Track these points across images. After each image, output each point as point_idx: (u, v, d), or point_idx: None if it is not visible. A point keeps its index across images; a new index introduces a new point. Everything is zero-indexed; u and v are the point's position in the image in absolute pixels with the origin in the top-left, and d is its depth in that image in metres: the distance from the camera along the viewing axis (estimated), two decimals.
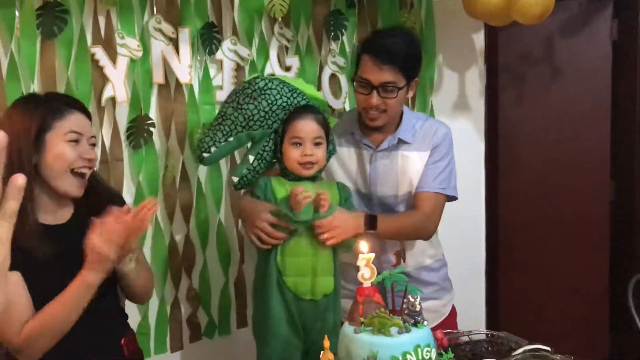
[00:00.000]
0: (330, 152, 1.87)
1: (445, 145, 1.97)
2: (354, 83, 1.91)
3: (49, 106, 1.45)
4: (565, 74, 2.99)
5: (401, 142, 1.95)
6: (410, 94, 1.94)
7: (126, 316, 1.66)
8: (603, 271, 3.03)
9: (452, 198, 1.98)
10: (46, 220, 1.46)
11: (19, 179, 0.61)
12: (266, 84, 1.80)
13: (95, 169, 1.59)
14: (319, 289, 1.75)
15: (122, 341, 1.55)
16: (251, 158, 1.82)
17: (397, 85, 1.83)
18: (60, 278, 1.40)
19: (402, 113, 1.97)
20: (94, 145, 1.53)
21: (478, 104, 2.87)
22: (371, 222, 1.81)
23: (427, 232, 1.95)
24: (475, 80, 2.85)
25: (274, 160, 1.86)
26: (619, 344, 3.05)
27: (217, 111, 2.17)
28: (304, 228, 1.73)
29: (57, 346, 1.40)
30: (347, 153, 2.00)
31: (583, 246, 3.02)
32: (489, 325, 2.93)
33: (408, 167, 1.94)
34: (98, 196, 1.54)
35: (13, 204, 0.61)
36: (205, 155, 1.82)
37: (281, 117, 1.80)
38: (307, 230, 1.74)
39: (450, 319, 2.13)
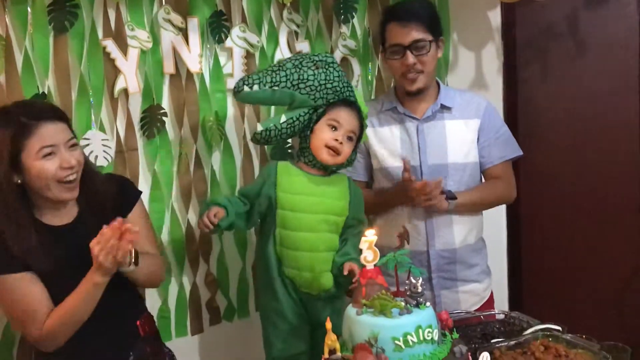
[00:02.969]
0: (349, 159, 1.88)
1: (493, 113, 2.07)
2: (386, 54, 1.97)
3: (16, 125, 1.42)
4: (590, 48, 2.90)
5: (444, 108, 1.99)
6: (440, 54, 1.99)
7: (142, 299, 1.71)
8: (636, 251, 2.95)
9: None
10: (51, 222, 1.51)
11: None
12: (333, 62, 1.83)
13: (86, 165, 1.59)
14: (318, 285, 1.77)
15: (138, 322, 1.61)
16: (284, 117, 1.81)
17: (427, 40, 1.90)
18: (72, 274, 1.47)
19: (438, 83, 2.04)
20: (74, 146, 1.52)
21: (496, 82, 2.83)
22: (449, 194, 1.90)
23: (511, 198, 2.16)
24: (492, 57, 2.80)
25: (301, 134, 1.85)
26: None
27: (228, 99, 2.21)
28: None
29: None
30: (388, 132, 2.02)
31: (613, 222, 2.93)
32: (512, 307, 2.90)
33: (456, 135, 1.98)
34: (95, 192, 1.58)
35: None
36: (245, 89, 1.77)
37: (329, 98, 1.80)
38: (304, 226, 1.77)
39: (489, 305, 2.13)
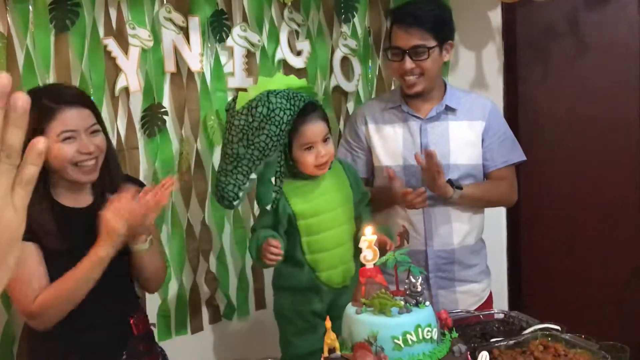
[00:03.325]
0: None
1: (499, 116, 2.07)
2: (387, 55, 1.97)
3: (40, 107, 1.44)
4: (591, 48, 2.90)
5: (449, 109, 1.98)
6: (447, 58, 1.98)
7: (138, 297, 1.72)
8: (635, 249, 2.95)
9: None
10: (66, 203, 1.52)
11: (40, 143, 0.56)
12: (268, 108, 1.65)
13: (110, 154, 1.61)
14: (351, 274, 1.80)
15: (131, 321, 1.61)
16: (273, 180, 1.74)
17: (427, 46, 1.87)
18: (77, 257, 1.46)
19: (445, 83, 2.03)
20: (96, 132, 1.54)
21: (496, 82, 2.83)
22: (455, 183, 1.91)
23: (512, 202, 2.16)
24: (493, 57, 2.81)
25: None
26: None
27: (228, 98, 2.21)
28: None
29: (68, 321, 1.47)
30: (391, 130, 2.01)
31: (613, 222, 2.94)
32: (512, 307, 2.91)
33: (460, 136, 1.98)
34: (112, 183, 1.58)
35: (32, 169, 0.56)
36: (235, 202, 1.72)
37: (289, 128, 1.71)
38: (328, 224, 1.77)
39: (488, 305, 2.13)
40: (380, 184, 2.05)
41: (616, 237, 2.93)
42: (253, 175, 1.70)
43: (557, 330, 1.60)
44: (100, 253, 1.45)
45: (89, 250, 1.46)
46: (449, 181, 1.91)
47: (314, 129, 1.73)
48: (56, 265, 1.47)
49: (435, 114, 1.98)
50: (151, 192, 1.50)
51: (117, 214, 1.44)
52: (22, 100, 0.54)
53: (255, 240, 1.74)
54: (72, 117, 1.48)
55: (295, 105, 1.70)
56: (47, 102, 1.46)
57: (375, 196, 2.00)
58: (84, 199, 1.58)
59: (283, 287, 1.86)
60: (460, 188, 1.91)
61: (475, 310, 2.01)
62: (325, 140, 1.75)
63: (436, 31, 1.89)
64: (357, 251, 1.78)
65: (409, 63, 1.88)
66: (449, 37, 1.95)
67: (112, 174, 1.60)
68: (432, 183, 1.84)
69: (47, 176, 1.50)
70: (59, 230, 1.48)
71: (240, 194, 1.71)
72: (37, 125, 1.43)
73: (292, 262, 1.79)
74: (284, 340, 1.86)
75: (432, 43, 1.88)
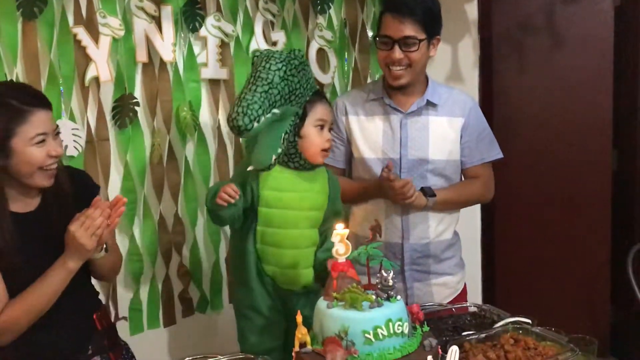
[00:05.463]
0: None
1: (479, 114, 2.07)
2: (376, 42, 1.95)
3: (9, 108, 1.40)
4: (566, 41, 2.93)
5: (430, 104, 1.98)
6: (433, 53, 1.97)
7: (97, 292, 1.70)
8: (604, 242, 3.00)
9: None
10: (16, 209, 1.48)
11: None
12: (305, 60, 1.72)
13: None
14: (299, 281, 1.75)
15: (94, 316, 1.59)
16: (282, 136, 1.67)
17: (418, 38, 1.87)
18: (30, 260, 1.44)
19: (427, 78, 2.02)
20: (58, 134, 1.51)
21: (472, 75, 2.85)
22: (429, 191, 1.91)
23: (488, 199, 2.18)
24: (468, 51, 2.82)
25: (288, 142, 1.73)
26: (620, 317, 3.04)
27: (202, 89, 2.18)
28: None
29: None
30: (372, 123, 2.01)
31: (584, 217, 2.99)
32: (485, 300, 2.94)
33: (439, 132, 1.98)
34: (59, 181, 1.53)
35: None
36: (255, 124, 1.58)
37: (307, 97, 1.70)
38: (290, 222, 1.73)
39: (462, 297, 2.14)
40: (358, 174, 2.03)
41: (587, 231, 2.98)
42: (276, 110, 1.61)
43: (527, 323, 1.62)
44: (70, 266, 1.45)
45: (43, 254, 1.44)
46: (422, 189, 1.91)
47: (328, 109, 1.76)
48: (16, 278, 1.44)
49: (417, 108, 1.97)
50: (103, 210, 1.45)
51: (86, 230, 1.42)
52: None
53: (215, 187, 1.69)
54: (43, 119, 1.44)
55: (313, 82, 1.75)
56: (16, 104, 1.41)
57: (357, 188, 1.99)
58: (33, 202, 1.52)
59: (236, 281, 1.84)
60: (433, 195, 1.91)
61: (450, 302, 2.03)
62: (330, 128, 1.77)
63: (427, 24, 1.88)
64: (316, 264, 1.76)
65: (398, 53, 1.87)
66: (438, 32, 1.95)
67: (60, 173, 1.55)
68: (402, 198, 1.84)
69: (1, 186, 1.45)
70: (14, 239, 1.43)
71: (262, 120, 1.58)
72: (6, 128, 1.38)
73: (240, 252, 1.75)
74: (240, 335, 1.83)
75: (422, 35, 1.88)
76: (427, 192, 1.91)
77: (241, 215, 1.71)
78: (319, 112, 1.72)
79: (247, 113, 1.57)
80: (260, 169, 1.69)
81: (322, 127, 1.73)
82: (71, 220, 1.45)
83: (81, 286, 1.57)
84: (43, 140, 1.44)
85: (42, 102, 1.47)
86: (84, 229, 1.42)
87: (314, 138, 1.72)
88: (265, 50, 1.73)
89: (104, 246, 1.53)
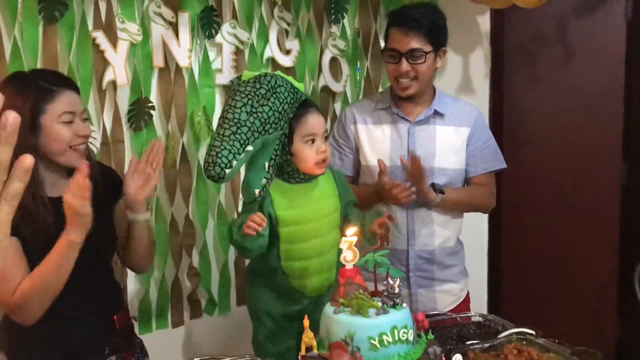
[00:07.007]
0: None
1: (484, 124, 2.13)
2: (384, 56, 2.00)
3: (38, 88, 1.46)
4: (578, 55, 2.94)
5: (437, 114, 2.03)
6: (439, 64, 2.01)
7: (120, 291, 1.72)
8: (612, 256, 2.99)
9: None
10: (50, 193, 1.51)
11: (26, 160, 0.57)
12: (275, 81, 1.64)
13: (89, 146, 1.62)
14: (325, 283, 1.78)
15: (115, 317, 1.62)
16: (266, 165, 1.66)
17: (424, 51, 1.91)
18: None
19: (434, 88, 2.07)
20: (86, 119, 1.56)
21: (483, 87, 2.86)
22: (438, 187, 1.95)
23: (490, 207, 2.21)
24: (480, 63, 2.83)
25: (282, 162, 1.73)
26: (626, 332, 3.03)
27: (216, 94, 2.22)
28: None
29: (51, 317, 1.46)
30: (380, 131, 2.05)
31: (592, 229, 2.99)
32: (491, 310, 2.94)
33: (446, 141, 2.02)
34: (94, 173, 1.57)
35: (18, 186, 0.58)
36: (227, 171, 1.57)
37: (289, 115, 1.67)
38: (311, 234, 1.74)
39: (465, 304, 2.17)
40: (365, 181, 2.07)
41: (595, 244, 2.97)
42: (249, 148, 1.59)
43: (531, 334, 1.63)
44: (71, 236, 1.42)
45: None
46: (432, 185, 1.94)
47: (317, 120, 1.71)
48: (35, 254, 1.45)
49: (424, 117, 2.01)
50: (143, 160, 1.53)
51: (77, 195, 1.40)
52: (12, 118, 0.56)
53: (240, 219, 1.67)
54: (71, 100, 1.50)
55: (297, 94, 1.69)
56: (44, 84, 1.47)
57: (359, 194, 2.02)
58: (64, 187, 1.52)
59: (255, 285, 1.83)
60: (442, 192, 1.95)
61: (453, 309, 2.06)
62: (325, 137, 1.73)
63: (433, 37, 1.93)
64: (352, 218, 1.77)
65: (405, 65, 1.92)
66: (444, 43, 1.99)
67: (92, 162, 1.58)
68: (415, 187, 1.87)
69: (37, 170, 1.48)
70: (48, 223, 1.45)
71: (234, 164, 1.57)
72: (35, 105, 1.44)
73: (266, 264, 1.76)
74: (255, 341, 1.84)
75: (428, 48, 1.92)
76: (436, 187, 1.95)
77: (267, 244, 1.70)
78: (306, 126, 1.68)
79: (217, 162, 1.56)
80: (249, 202, 1.70)
81: (312, 140, 1.69)
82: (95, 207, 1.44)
83: (104, 284, 1.60)
84: (71, 121, 1.49)
85: (69, 83, 1.53)
86: (74, 194, 1.39)
87: (305, 155, 1.69)
88: (235, 78, 1.73)
89: (149, 205, 1.55)
